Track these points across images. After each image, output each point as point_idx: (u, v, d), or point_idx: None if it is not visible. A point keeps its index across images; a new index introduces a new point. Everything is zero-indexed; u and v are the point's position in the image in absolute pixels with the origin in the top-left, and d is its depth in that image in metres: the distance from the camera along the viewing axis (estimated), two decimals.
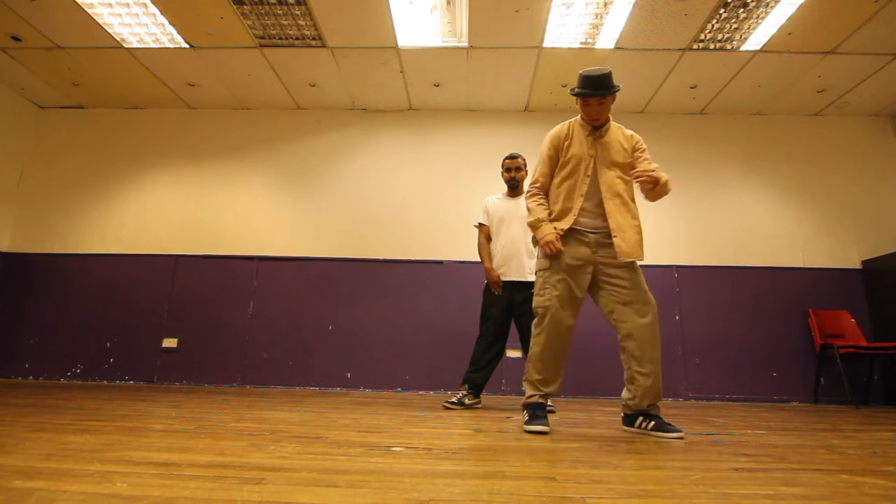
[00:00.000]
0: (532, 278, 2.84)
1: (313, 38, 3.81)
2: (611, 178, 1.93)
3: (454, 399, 2.76)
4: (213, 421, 1.88)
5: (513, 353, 3.92)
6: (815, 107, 4.54)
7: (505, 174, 3.01)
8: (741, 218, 4.43)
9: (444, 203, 4.52)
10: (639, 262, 1.92)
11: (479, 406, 2.85)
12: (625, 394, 1.89)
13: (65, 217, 4.62)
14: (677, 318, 4.16)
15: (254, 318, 4.26)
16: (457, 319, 4.11)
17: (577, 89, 1.91)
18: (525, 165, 3.04)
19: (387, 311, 4.21)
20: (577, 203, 1.93)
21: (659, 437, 1.75)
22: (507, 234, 2.92)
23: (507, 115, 4.78)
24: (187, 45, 3.91)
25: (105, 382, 4.12)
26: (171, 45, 3.92)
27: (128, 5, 3.49)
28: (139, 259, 4.45)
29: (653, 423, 1.80)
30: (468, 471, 1.12)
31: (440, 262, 4.35)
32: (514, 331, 2.89)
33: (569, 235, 1.94)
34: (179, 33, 3.76)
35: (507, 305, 2.86)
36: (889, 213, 4.38)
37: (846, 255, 4.30)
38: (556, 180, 2.00)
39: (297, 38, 3.81)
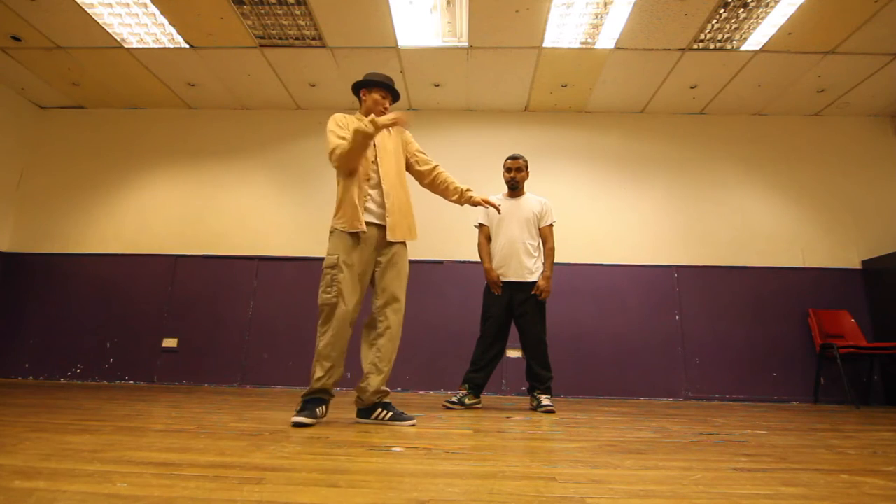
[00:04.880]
0: (532, 279, 2.85)
1: (313, 38, 3.81)
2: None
3: (454, 399, 2.77)
4: (213, 421, 1.88)
5: (513, 353, 3.92)
6: (815, 107, 4.54)
7: (506, 174, 3.02)
8: (741, 218, 4.43)
9: (444, 203, 4.48)
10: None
11: (480, 406, 2.85)
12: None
13: (65, 217, 4.62)
14: (677, 318, 4.16)
15: (254, 318, 4.26)
16: (457, 319, 4.10)
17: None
18: (526, 166, 3.04)
19: None
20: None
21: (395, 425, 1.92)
22: (506, 235, 2.92)
23: (507, 115, 4.78)
24: (187, 45, 3.91)
25: (105, 382, 4.12)
26: (171, 45, 3.92)
27: (128, 5, 3.49)
28: (139, 259, 4.45)
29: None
30: (468, 471, 1.12)
31: (440, 262, 4.34)
32: (514, 331, 2.90)
33: None
34: (179, 33, 3.76)
35: (507, 305, 2.86)
36: (889, 213, 4.38)
37: (846, 255, 4.30)
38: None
39: (297, 38, 3.81)
